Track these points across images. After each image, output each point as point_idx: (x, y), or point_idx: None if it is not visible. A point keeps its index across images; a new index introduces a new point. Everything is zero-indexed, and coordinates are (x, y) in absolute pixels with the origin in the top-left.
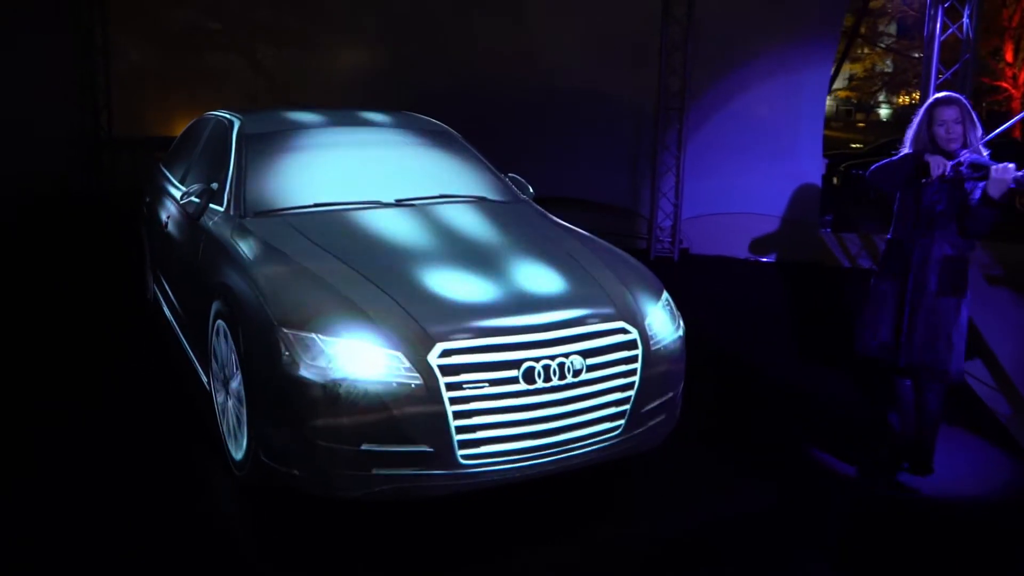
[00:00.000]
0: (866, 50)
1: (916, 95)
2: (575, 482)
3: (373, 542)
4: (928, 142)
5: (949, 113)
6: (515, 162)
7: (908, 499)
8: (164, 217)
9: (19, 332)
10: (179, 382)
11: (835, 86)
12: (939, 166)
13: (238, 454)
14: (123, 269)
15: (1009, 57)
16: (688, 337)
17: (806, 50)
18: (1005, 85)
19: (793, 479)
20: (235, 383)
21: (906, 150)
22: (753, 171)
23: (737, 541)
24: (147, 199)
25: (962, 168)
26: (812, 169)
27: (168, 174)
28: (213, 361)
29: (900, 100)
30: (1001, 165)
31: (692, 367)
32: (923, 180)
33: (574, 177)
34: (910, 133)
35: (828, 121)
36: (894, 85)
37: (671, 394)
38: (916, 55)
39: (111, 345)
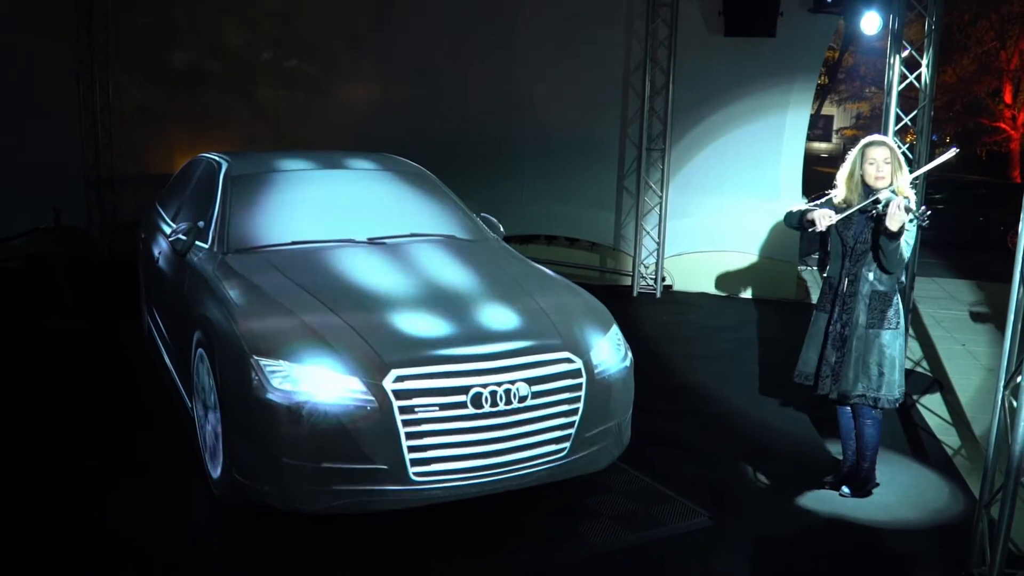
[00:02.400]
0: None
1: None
2: (515, 500)
3: (335, 553)
4: (859, 180)
5: (879, 153)
6: (505, 202)
7: (847, 522)
8: (156, 253)
9: (17, 361)
10: (168, 408)
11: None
12: (822, 219)
13: (215, 472)
14: (124, 305)
15: (1008, 99)
16: (655, 370)
17: (784, 92)
18: (1004, 126)
19: (736, 502)
20: (213, 406)
21: (837, 186)
22: (734, 210)
23: (676, 562)
24: (143, 235)
25: (879, 206)
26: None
27: (162, 212)
28: (195, 386)
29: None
30: (897, 200)
31: (653, 398)
32: (811, 230)
33: (562, 215)
34: (843, 171)
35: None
36: (875, 130)
37: (616, 421)
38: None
39: (109, 374)
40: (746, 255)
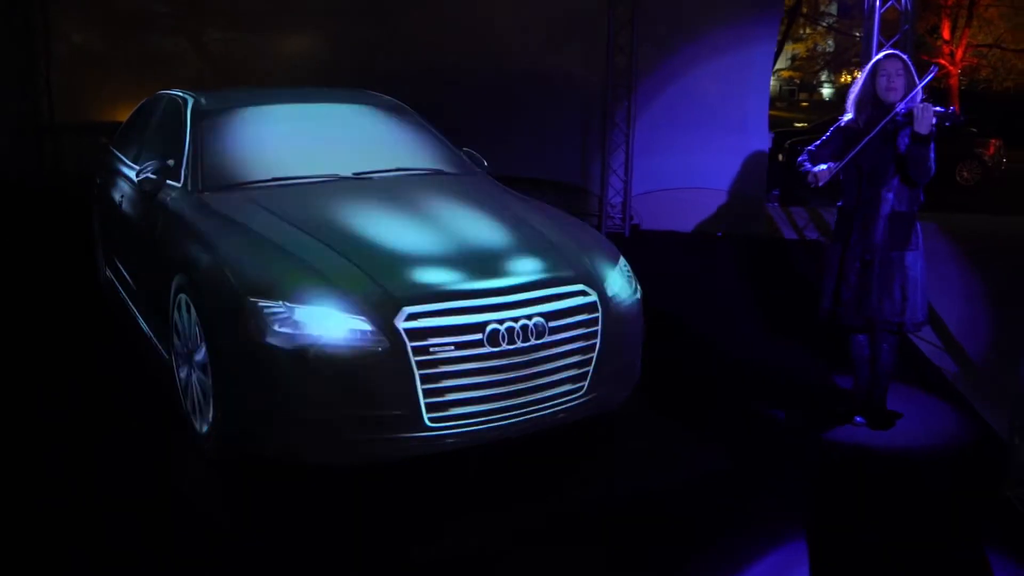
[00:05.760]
0: (808, 30)
1: (857, 73)
2: (537, 447)
3: (340, 509)
4: (872, 94)
5: (893, 66)
6: (466, 142)
7: (865, 452)
8: (118, 197)
9: None
10: (138, 360)
11: (778, 66)
12: (820, 176)
13: (203, 427)
14: (72, 255)
15: (946, 35)
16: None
17: (751, 27)
18: (943, 62)
19: (753, 439)
20: (199, 356)
21: (849, 105)
22: (701, 147)
23: (701, 501)
24: (98, 181)
25: (899, 117)
26: (759, 143)
27: (120, 155)
28: (175, 336)
29: (842, 79)
30: (920, 104)
31: (647, 337)
32: (810, 185)
33: (525, 155)
34: (855, 88)
35: (772, 101)
36: (836, 65)
37: (631, 355)
38: (857, 34)
39: (66, 328)
40: (714, 191)
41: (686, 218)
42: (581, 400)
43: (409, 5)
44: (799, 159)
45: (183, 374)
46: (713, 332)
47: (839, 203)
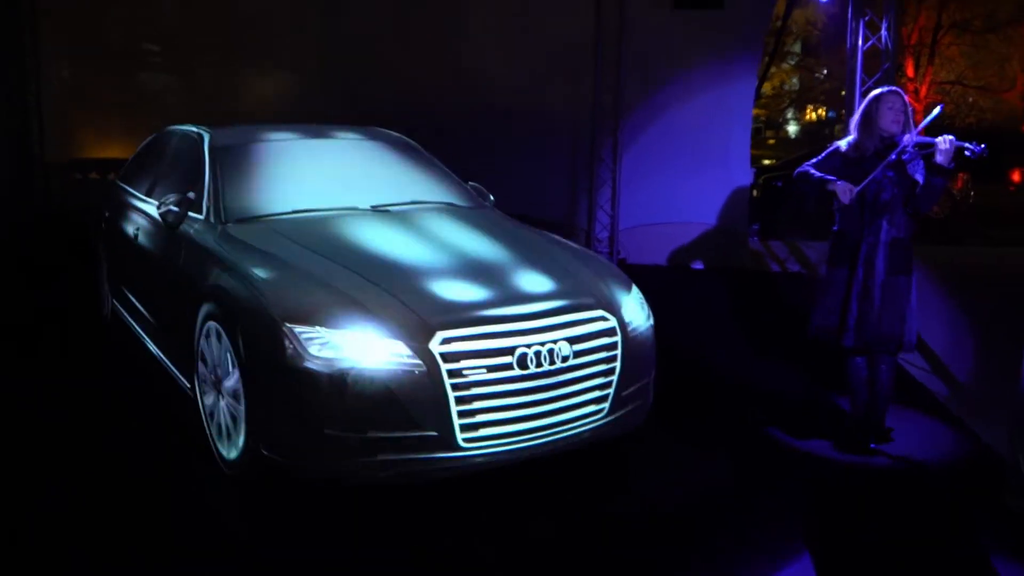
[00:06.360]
0: (774, 69)
1: (823, 111)
2: (558, 465)
3: (371, 527)
4: (876, 126)
5: (898, 101)
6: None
7: (870, 468)
8: (131, 231)
9: None
10: (152, 390)
11: None
12: (845, 193)
13: (232, 452)
14: (74, 289)
15: (910, 72)
16: None
17: (732, 64)
18: (908, 99)
19: (754, 455)
20: (230, 382)
21: (852, 136)
22: (686, 181)
23: (713, 513)
24: (106, 214)
25: (906, 154)
26: (741, 178)
27: (131, 189)
28: (201, 364)
29: (807, 116)
30: (943, 136)
31: None
32: (834, 207)
33: (513, 191)
34: (856, 119)
35: None
36: (801, 102)
37: (646, 379)
38: (820, 74)
39: (75, 361)
40: (699, 225)
41: (671, 252)
42: (603, 421)
43: (398, 43)
44: (802, 169)
45: (209, 401)
46: (706, 356)
47: (835, 227)
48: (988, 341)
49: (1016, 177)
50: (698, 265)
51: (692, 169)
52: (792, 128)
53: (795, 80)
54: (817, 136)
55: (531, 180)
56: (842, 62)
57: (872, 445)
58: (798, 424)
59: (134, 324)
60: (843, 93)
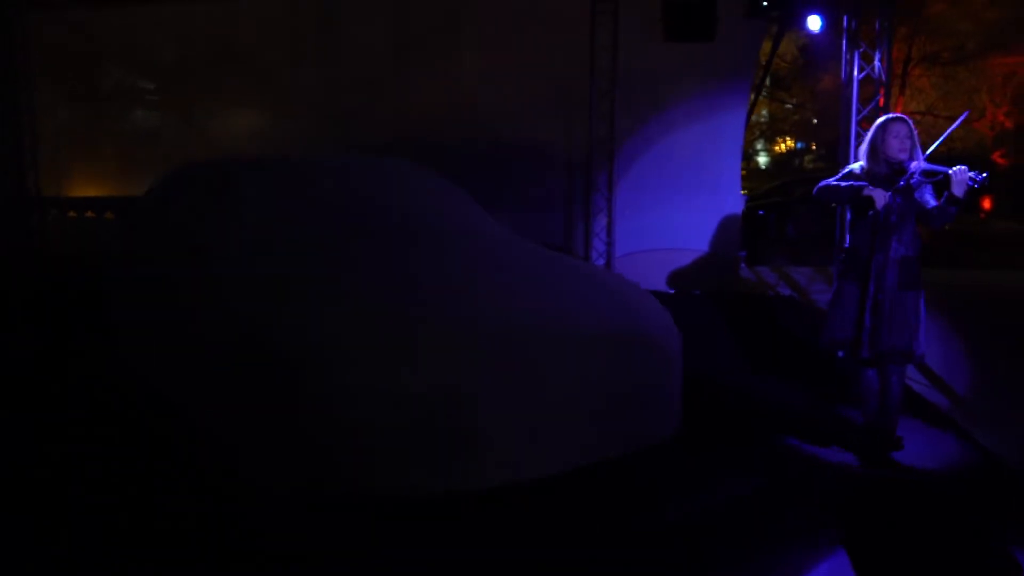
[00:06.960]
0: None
1: (791, 143)
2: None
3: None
4: (882, 154)
5: (902, 129)
6: None
7: (889, 478)
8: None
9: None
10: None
11: None
12: (882, 198)
13: (271, 480)
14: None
15: (882, 103)
16: None
17: (723, 95)
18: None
19: (776, 467)
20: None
21: (861, 162)
22: (679, 209)
23: (737, 522)
24: (117, 263)
25: (913, 179)
26: (733, 205)
27: (151, 233)
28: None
29: (777, 148)
30: (957, 168)
31: None
32: (869, 212)
33: (510, 221)
34: (864, 147)
35: None
36: (770, 134)
37: (677, 394)
38: (789, 104)
39: (87, 400)
40: (692, 251)
41: (666, 277)
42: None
43: (394, 75)
44: (823, 184)
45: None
46: (713, 375)
47: (846, 244)
48: (985, 358)
49: (986, 204)
50: (693, 290)
51: (685, 197)
52: (763, 159)
53: (764, 112)
54: (787, 167)
55: (529, 210)
56: (813, 94)
57: (873, 447)
58: (815, 436)
59: (149, 367)
60: (815, 121)
